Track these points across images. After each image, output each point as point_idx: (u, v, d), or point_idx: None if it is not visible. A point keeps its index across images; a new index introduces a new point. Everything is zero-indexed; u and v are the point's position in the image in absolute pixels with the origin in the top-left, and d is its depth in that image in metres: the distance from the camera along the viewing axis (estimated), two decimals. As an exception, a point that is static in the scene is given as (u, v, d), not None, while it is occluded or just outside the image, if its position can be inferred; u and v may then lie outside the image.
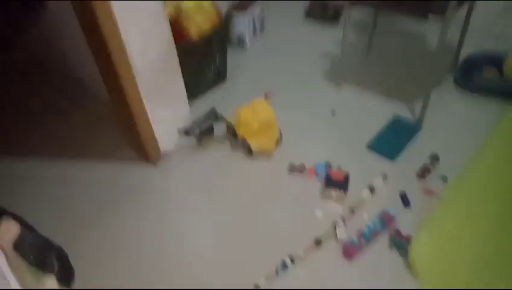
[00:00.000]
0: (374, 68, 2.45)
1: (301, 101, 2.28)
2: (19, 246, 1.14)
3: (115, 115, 2.17)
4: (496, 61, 2.13)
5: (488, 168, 1.82)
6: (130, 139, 2.03)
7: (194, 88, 2.30)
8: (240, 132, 1.96)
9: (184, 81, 2.14)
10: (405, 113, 2.14)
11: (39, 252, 1.44)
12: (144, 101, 1.77)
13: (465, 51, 2.27)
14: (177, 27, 2.04)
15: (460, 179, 1.77)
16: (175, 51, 1.86)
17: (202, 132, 2.00)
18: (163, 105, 1.91)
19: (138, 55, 1.65)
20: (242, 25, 2.60)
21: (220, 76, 2.42)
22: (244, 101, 1.99)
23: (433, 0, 1.79)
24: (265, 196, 1.81)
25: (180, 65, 2.08)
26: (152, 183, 1.92)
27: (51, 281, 0.85)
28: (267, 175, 1.91)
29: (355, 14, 2.56)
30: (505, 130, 1.97)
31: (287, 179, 1.87)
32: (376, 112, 2.16)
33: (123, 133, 2.12)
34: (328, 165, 1.89)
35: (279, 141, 2.02)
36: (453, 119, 2.08)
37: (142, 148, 1.93)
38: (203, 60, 2.23)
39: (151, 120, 1.85)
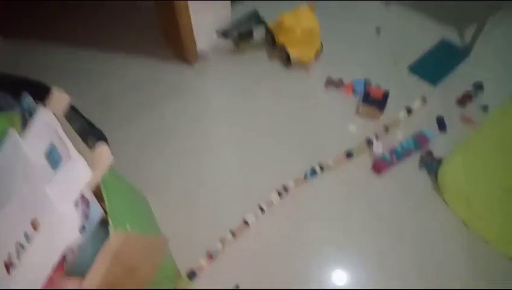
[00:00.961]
0: None
1: (347, 15, 2.17)
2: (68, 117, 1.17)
3: (157, 11, 2.09)
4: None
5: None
6: (170, 37, 1.98)
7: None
8: (280, 39, 1.90)
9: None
10: (454, 37, 2.02)
11: (81, 132, 1.49)
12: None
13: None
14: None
15: (501, 111, 1.72)
16: None
17: (241, 35, 1.94)
18: (204, 3, 1.83)
19: None
20: None
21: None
22: (288, 7, 1.90)
23: None
24: (299, 106, 1.80)
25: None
26: (188, 83, 1.92)
27: (104, 147, 0.88)
28: (303, 86, 1.88)
29: None
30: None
31: (324, 93, 1.85)
32: (424, 33, 2.05)
33: (163, 31, 2.07)
34: (367, 82, 1.84)
35: (319, 53, 1.95)
36: (505, 49, 1.96)
37: (180, 47, 1.90)
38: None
39: (191, 18, 1.79)
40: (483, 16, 1.86)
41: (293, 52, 1.90)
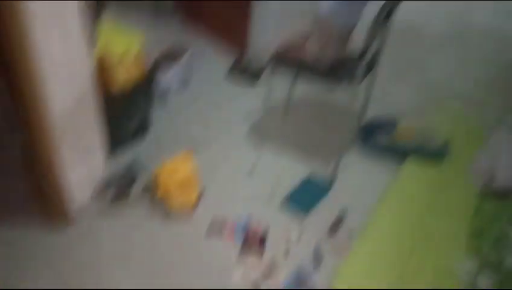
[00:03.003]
0: (292, 128, 2.62)
1: (222, 158, 2.35)
2: None
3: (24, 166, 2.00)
4: (390, 127, 2.48)
5: (387, 223, 2.03)
6: (38, 193, 1.88)
7: (114, 141, 2.24)
8: (158, 193, 1.95)
9: (104, 133, 2.10)
10: (319, 171, 2.31)
11: None
12: (56, 152, 1.67)
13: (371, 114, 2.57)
14: (100, 76, 1.99)
15: (365, 233, 1.94)
16: (95, 101, 1.81)
17: (119, 188, 1.95)
18: (78, 157, 1.83)
19: (54, 102, 1.58)
20: (168, 76, 2.64)
21: (143, 129, 2.40)
22: (166, 155, 2.02)
23: (342, 71, 2.03)
24: (180, 262, 1.79)
25: (101, 116, 2.03)
26: (61, 245, 1.79)
27: None
28: (185, 238, 1.89)
29: (277, 75, 2.75)
30: (397, 187, 2.23)
31: (205, 242, 1.88)
32: (293, 170, 2.31)
33: (31, 186, 1.96)
34: (246, 224, 1.94)
35: (200, 198, 2.04)
36: (359, 177, 2.30)
37: (51, 204, 1.80)
38: (125, 111, 2.20)
39: (63, 173, 1.75)
40: (342, 151, 2.19)
41: (172, 204, 1.95)
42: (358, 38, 2.02)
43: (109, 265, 1.74)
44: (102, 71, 1.99)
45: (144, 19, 3.60)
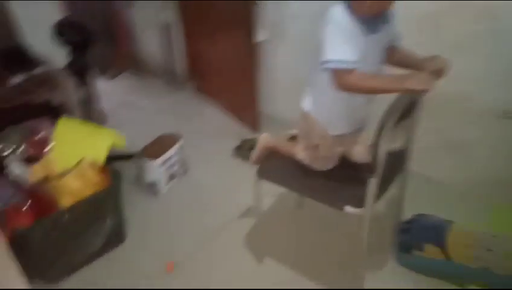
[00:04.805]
0: (297, 240, 2.04)
1: (213, 276, 1.84)
2: None
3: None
4: (437, 233, 1.77)
5: None
6: None
7: (71, 264, 1.84)
8: None
9: (54, 259, 1.75)
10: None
11: None
12: None
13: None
14: (43, 196, 1.66)
15: None
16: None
17: None
18: None
19: None
20: (154, 171, 2.23)
21: (115, 240, 1.97)
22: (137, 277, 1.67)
23: (347, 192, 1.47)
24: None
25: (48, 241, 1.65)
26: None
27: None
28: None
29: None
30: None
31: None
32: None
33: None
34: None
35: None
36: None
37: None
38: (84, 228, 1.80)
39: None
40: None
41: None
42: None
43: None
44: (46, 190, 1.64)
45: (155, 91, 3.37)
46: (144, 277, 1.82)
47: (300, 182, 1.60)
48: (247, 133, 2.79)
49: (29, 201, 1.68)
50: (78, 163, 1.75)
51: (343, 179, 1.54)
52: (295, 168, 1.64)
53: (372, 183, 1.36)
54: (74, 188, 1.70)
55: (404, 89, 1.21)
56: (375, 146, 1.30)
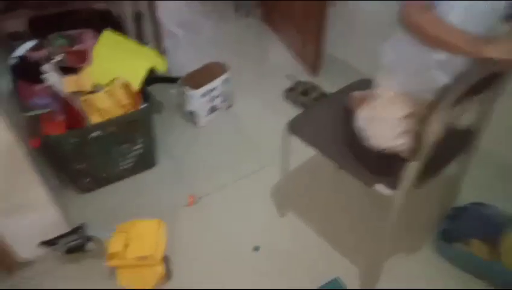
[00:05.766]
0: (326, 204, 1.86)
1: (228, 219, 1.79)
2: None
3: None
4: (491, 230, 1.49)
5: None
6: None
7: (100, 178, 1.89)
8: (110, 262, 1.49)
9: (86, 170, 1.80)
10: (350, 277, 1.55)
11: None
12: None
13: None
14: (75, 109, 1.65)
15: None
16: (23, 150, 1.42)
17: (70, 249, 1.56)
18: (15, 211, 1.49)
19: None
20: (194, 101, 2.14)
21: (145, 164, 1.98)
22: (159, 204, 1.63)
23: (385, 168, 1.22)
24: None
25: (78, 152, 1.68)
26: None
27: None
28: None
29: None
30: None
31: None
32: (313, 263, 1.60)
33: None
34: None
35: (165, 278, 1.53)
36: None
37: None
38: (113, 147, 1.81)
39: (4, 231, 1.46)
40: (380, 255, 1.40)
41: (124, 280, 1.48)
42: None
43: None
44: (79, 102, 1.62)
45: (219, 15, 3.17)
46: (165, 206, 1.81)
47: (333, 145, 1.38)
48: (303, 76, 2.54)
49: (63, 112, 1.69)
50: (112, 81, 1.70)
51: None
52: (333, 130, 1.43)
53: (412, 167, 1.11)
54: (104, 107, 1.67)
55: (480, 56, 0.89)
56: (424, 122, 1.03)
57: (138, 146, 1.88)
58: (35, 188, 1.49)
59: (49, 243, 1.55)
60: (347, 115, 1.40)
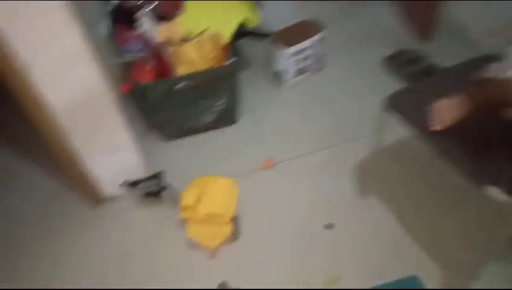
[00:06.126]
0: (418, 197, 1.65)
1: (303, 189, 1.70)
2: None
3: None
4: None
5: None
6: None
7: (182, 128, 1.91)
8: (182, 214, 1.52)
9: (171, 118, 1.84)
10: (428, 276, 1.38)
11: None
12: (73, 145, 1.47)
13: None
14: (164, 58, 1.65)
15: None
16: (112, 95, 1.45)
17: (147, 193, 1.63)
18: (102, 151, 1.57)
19: (55, 97, 1.32)
20: (282, 60, 2.02)
21: (226, 120, 1.95)
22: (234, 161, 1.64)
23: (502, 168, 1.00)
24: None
25: (165, 100, 1.70)
26: (85, 223, 1.66)
27: None
28: (194, 277, 1.46)
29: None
30: None
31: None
32: (388, 254, 1.46)
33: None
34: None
35: (232, 238, 1.53)
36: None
37: (82, 191, 1.66)
38: (197, 99, 1.80)
39: (87, 164, 1.56)
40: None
41: (192, 232, 1.51)
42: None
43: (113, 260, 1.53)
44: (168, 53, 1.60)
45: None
46: (241, 165, 1.78)
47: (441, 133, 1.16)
48: (409, 43, 2.24)
49: (153, 59, 1.69)
50: (202, 32, 1.64)
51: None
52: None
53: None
54: (192, 58, 1.63)
55: None
56: None
57: (221, 101, 1.84)
58: (122, 131, 1.55)
59: (130, 184, 1.62)
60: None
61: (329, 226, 1.56)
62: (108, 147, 1.57)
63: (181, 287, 1.42)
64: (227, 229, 1.51)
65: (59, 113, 1.36)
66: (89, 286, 1.46)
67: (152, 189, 1.60)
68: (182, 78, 1.68)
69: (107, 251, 1.58)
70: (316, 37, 2.03)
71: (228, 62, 1.70)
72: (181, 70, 1.66)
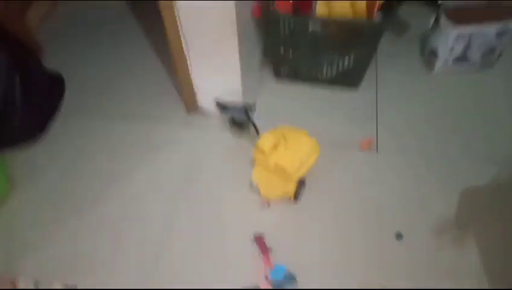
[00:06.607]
0: None
1: (391, 184, 1.47)
2: None
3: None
4: None
5: None
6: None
7: (299, 72, 1.79)
8: (255, 155, 1.47)
9: (291, 59, 1.72)
10: None
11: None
12: (190, 59, 1.51)
13: None
14: None
15: None
16: (236, 25, 1.37)
17: (234, 121, 1.61)
18: (212, 70, 1.56)
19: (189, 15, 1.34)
20: (445, 39, 1.67)
21: (348, 81, 1.75)
22: (338, 129, 1.60)
23: None
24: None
25: (291, 39, 1.62)
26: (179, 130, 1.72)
27: None
28: (237, 216, 1.44)
29: None
30: None
31: (248, 244, 1.36)
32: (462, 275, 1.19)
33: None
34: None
35: (293, 200, 1.43)
36: None
37: (184, 97, 1.74)
38: (326, 50, 1.63)
39: (195, 77, 1.60)
40: None
41: (255, 177, 1.46)
42: None
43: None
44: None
45: None
46: (335, 135, 1.61)
47: None
48: None
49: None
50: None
51: None
52: None
53: None
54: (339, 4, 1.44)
55: None
56: None
57: (350, 59, 1.63)
58: (234, 53, 1.50)
59: (221, 105, 1.60)
60: None
61: (399, 236, 1.32)
62: (217, 66, 1.55)
63: (220, 219, 1.40)
64: (290, 188, 1.40)
65: (184, 18, 1.37)
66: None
67: (238, 118, 1.56)
68: (317, 20, 1.51)
69: (178, 158, 1.60)
70: (499, 26, 1.59)
71: (373, 20, 1.45)
72: (320, 11, 1.50)
